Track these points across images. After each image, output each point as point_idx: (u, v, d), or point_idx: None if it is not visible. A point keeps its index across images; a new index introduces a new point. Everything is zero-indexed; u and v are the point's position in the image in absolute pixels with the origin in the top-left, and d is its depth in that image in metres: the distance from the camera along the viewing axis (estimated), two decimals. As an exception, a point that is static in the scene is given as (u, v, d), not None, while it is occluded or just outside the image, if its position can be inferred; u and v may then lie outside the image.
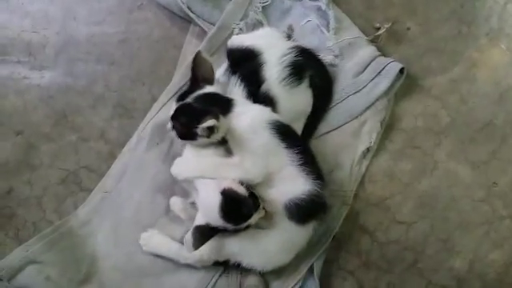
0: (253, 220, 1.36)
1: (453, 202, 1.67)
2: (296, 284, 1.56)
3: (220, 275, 1.56)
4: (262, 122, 1.42)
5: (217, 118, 1.34)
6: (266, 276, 1.56)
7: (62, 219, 1.64)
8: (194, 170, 1.42)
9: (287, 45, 1.57)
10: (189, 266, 1.55)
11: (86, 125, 1.72)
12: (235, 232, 1.40)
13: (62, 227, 1.62)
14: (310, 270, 1.57)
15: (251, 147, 1.40)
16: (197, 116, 1.35)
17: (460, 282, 1.64)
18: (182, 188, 1.58)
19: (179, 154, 1.55)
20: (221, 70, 1.58)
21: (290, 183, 1.42)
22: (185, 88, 1.59)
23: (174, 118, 1.43)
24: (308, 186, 1.41)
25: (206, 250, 1.46)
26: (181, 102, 1.45)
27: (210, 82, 1.47)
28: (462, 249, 1.65)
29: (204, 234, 1.34)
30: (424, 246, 1.65)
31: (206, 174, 1.40)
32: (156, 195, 1.62)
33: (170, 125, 1.45)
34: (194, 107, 1.41)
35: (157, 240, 1.57)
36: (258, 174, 1.39)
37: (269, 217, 1.43)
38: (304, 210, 1.41)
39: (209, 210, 1.36)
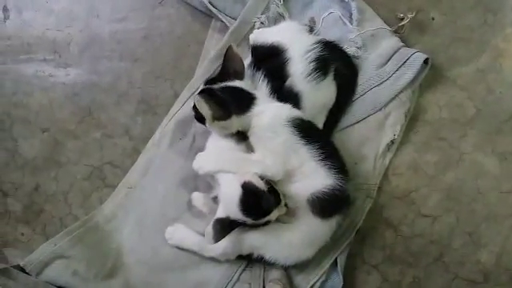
0: (273, 216, 1.37)
1: (479, 195, 1.65)
2: (320, 278, 1.56)
3: (244, 269, 1.58)
4: (281, 120, 1.42)
5: (228, 115, 1.38)
6: (289, 270, 1.57)
7: (88, 214, 1.67)
8: (214, 165, 1.43)
9: (311, 39, 1.56)
10: (213, 260, 1.57)
11: (111, 121, 1.75)
12: (255, 226, 1.42)
13: (88, 222, 1.66)
14: (334, 264, 1.57)
15: (271, 145, 1.41)
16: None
17: (487, 275, 1.62)
18: (205, 182, 1.61)
19: (202, 149, 1.56)
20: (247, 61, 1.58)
21: (311, 178, 1.42)
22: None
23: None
24: (330, 180, 1.40)
25: (230, 243, 1.48)
26: (208, 86, 1.46)
27: (241, 76, 1.47)
28: (488, 242, 1.63)
29: (224, 226, 1.36)
30: (450, 239, 1.64)
31: (227, 169, 1.41)
32: (180, 190, 1.64)
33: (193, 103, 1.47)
34: (215, 94, 1.42)
35: (182, 234, 1.59)
36: (278, 171, 1.40)
37: (291, 212, 1.44)
38: (326, 204, 1.41)
39: (229, 203, 1.37)
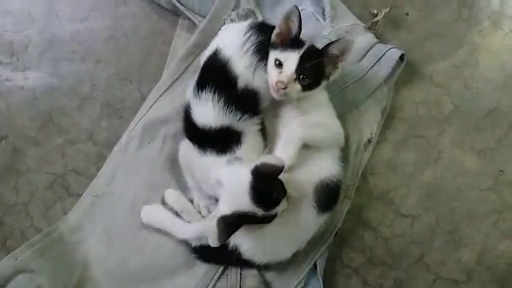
0: (280, 208, 1.39)
1: (459, 193, 1.73)
2: (298, 284, 1.61)
3: (219, 277, 1.62)
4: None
5: None
6: (267, 276, 1.62)
7: (51, 225, 1.68)
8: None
9: (242, 28, 1.53)
10: (186, 269, 1.62)
11: (73, 126, 1.77)
12: (262, 222, 1.41)
13: (52, 234, 1.66)
14: (313, 268, 1.62)
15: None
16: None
17: (469, 274, 1.70)
18: (176, 187, 1.66)
19: (172, 153, 1.65)
20: (190, 90, 1.55)
21: (323, 162, 1.51)
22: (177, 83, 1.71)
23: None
24: (336, 168, 1.51)
25: (205, 227, 1.52)
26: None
27: None
28: (469, 240, 1.71)
29: (231, 223, 1.35)
30: (430, 239, 1.71)
31: None
32: (149, 195, 1.66)
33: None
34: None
35: (157, 213, 1.64)
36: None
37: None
38: (332, 194, 1.49)
39: (237, 195, 1.37)
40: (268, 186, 1.36)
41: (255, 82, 1.49)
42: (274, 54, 1.46)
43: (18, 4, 1.84)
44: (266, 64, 1.48)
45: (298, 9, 1.44)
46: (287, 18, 1.46)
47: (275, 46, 1.47)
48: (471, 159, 1.75)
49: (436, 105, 1.78)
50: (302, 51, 1.44)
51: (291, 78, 1.43)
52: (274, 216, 1.40)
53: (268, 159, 1.37)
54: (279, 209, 1.39)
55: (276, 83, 1.43)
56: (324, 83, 1.51)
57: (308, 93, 1.48)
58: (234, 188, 1.39)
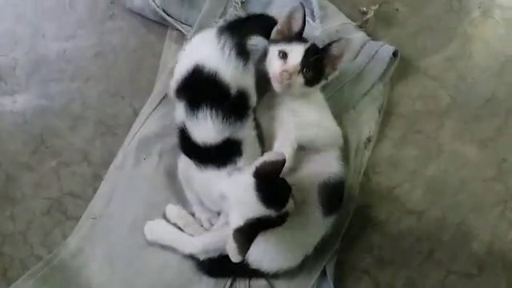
0: (289, 205, 1.36)
1: (463, 185, 1.73)
2: None
3: None
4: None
5: None
6: (276, 285, 1.60)
7: (52, 252, 1.66)
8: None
9: (214, 37, 1.50)
10: (193, 285, 1.61)
11: (67, 148, 1.75)
12: (277, 224, 1.38)
13: (52, 261, 1.64)
14: (323, 273, 1.62)
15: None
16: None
17: (481, 266, 1.70)
18: (176, 202, 1.65)
19: (169, 168, 1.64)
20: (180, 111, 1.51)
21: (324, 162, 1.52)
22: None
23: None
24: (339, 167, 1.53)
25: (212, 239, 1.53)
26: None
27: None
28: (478, 232, 1.71)
29: (247, 233, 1.32)
30: (439, 233, 1.71)
31: None
32: (150, 213, 1.65)
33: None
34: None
35: (162, 228, 1.62)
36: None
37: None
38: (338, 193, 1.51)
39: (246, 200, 1.34)
40: (273, 184, 1.35)
41: (243, 81, 1.48)
42: (276, 47, 1.51)
43: (2, 26, 1.82)
44: (247, 64, 1.48)
45: (303, 6, 1.50)
46: (290, 16, 1.52)
47: (276, 42, 1.53)
48: (472, 150, 1.76)
49: (433, 98, 1.78)
50: (307, 45, 1.49)
51: (296, 68, 1.46)
52: (287, 215, 1.37)
53: (266, 157, 1.35)
54: (289, 206, 1.37)
55: (280, 73, 1.45)
56: (323, 82, 1.54)
57: (308, 89, 1.51)
58: (241, 196, 1.37)
